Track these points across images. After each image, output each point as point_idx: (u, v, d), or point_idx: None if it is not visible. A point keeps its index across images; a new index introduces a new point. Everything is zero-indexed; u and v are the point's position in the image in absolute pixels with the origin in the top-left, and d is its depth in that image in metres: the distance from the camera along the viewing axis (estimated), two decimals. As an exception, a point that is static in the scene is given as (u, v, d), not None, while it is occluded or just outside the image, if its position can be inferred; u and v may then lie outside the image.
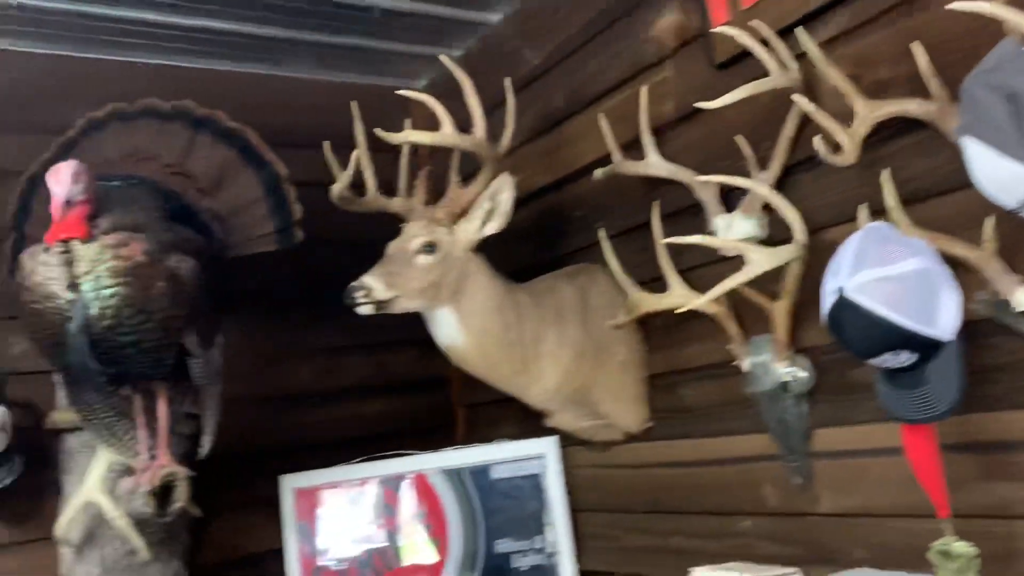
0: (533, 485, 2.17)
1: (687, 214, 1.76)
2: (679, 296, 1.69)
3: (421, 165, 2.12)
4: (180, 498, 1.71)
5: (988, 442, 1.32)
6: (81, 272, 1.52)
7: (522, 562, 2.15)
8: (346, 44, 2.47)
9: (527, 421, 2.22)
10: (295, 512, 2.22)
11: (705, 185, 1.69)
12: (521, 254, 2.19)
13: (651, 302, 1.73)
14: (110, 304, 1.53)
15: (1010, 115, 1.05)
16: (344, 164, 1.95)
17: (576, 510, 2.14)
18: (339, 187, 1.93)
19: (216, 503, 1.89)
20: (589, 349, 1.92)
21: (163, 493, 1.69)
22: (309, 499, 2.24)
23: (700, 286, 1.70)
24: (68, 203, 1.55)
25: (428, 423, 2.56)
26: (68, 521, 1.92)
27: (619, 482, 2.03)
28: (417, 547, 2.21)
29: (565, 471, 2.15)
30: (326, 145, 1.98)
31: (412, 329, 2.38)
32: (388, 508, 2.23)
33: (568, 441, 2.14)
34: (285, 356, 2.39)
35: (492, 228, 1.88)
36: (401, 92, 1.88)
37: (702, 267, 1.76)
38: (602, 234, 1.83)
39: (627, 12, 1.96)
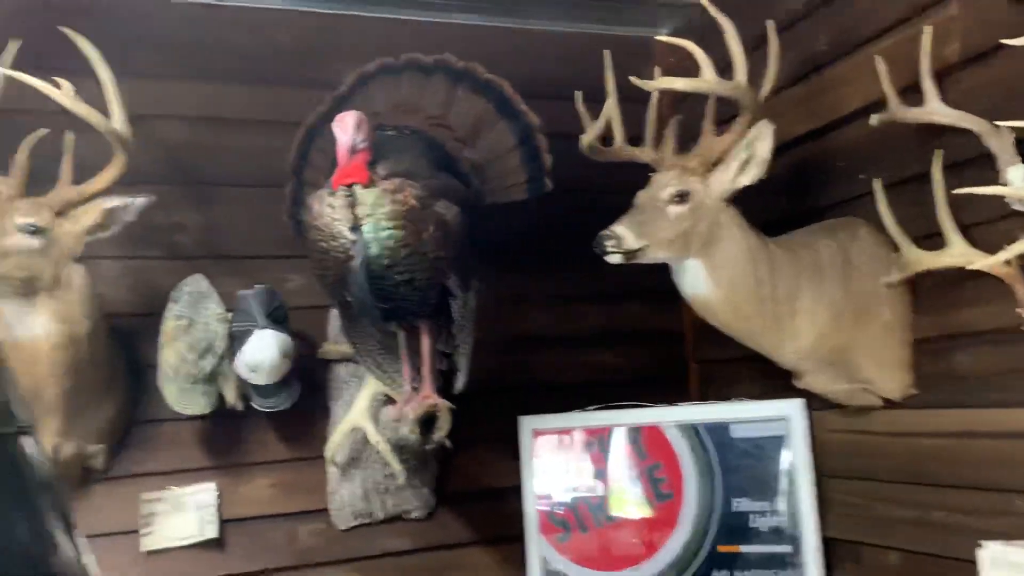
0: (776, 447, 2.11)
1: (972, 165, 1.61)
2: (961, 254, 1.56)
3: (663, 115, 2.09)
4: (442, 428, 1.82)
5: None
6: (363, 215, 1.64)
7: (761, 522, 2.11)
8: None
9: (766, 381, 2.15)
10: (532, 452, 2.31)
11: (998, 133, 1.54)
12: (775, 206, 2.11)
13: (929, 260, 1.61)
14: (388, 245, 1.64)
15: None
16: (589, 115, 1.97)
17: (822, 475, 2.06)
18: (589, 137, 1.95)
19: (459, 437, 2.00)
20: (849, 309, 1.82)
21: (426, 423, 1.81)
22: (546, 440, 2.31)
23: (982, 244, 1.56)
24: (352, 150, 1.67)
25: (659, 377, 2.55)
26: (336, 444, 2.11)
27: (873, 449, 1.93)
28: (647, 498, 2.23)
29: (811, 435, 2.07)
30: (577, 95, 2.00)
31: (644, 281, 2.39)
32: (623, 457, 2.26)
33: (816, 404, 2.05)
34: (521, 302, 2.46)
35: (748, 179, 1.82)
36: (660, 38, 1.85)
37: (985, 224, 1.61)
38: (877, 184, 1.71)
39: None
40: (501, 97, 2.06)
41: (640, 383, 2.45)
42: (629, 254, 1.80)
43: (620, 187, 2.16)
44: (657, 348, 2.58)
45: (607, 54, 1.95)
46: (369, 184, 1.65)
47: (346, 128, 1.67)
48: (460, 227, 1.79)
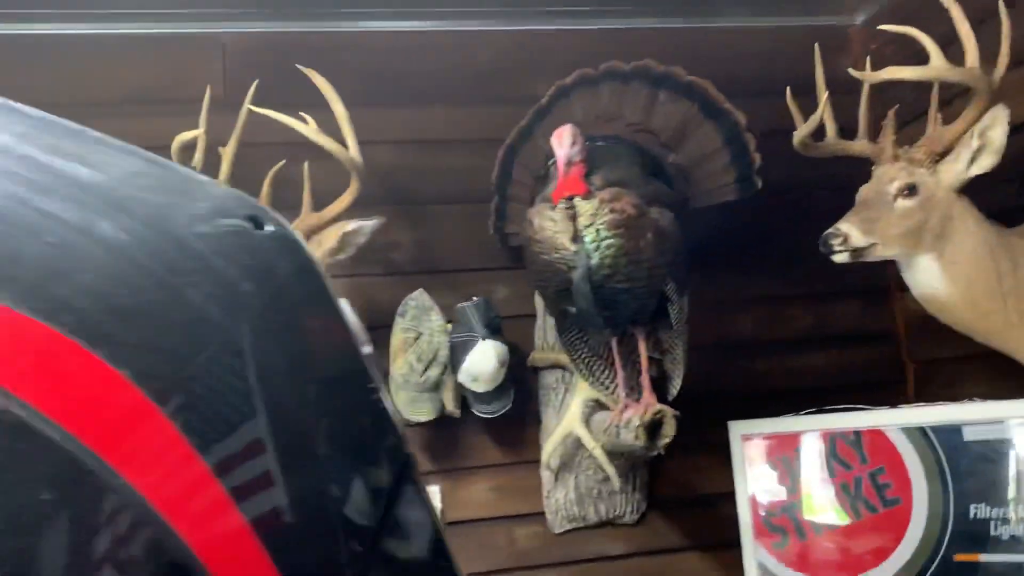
0: (1015, 449, 1.98)
1: None
2: None
3: (869, 106, 2.00)
4: (668, 434, 1.83)
5: None
6: (583, 226, 1.67)
7: (1002, 530, 1.98)
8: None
9: (993, 381, 2.02)
10: (743, 457, 2.27)
11: None
12: (1006, 194, 1.98)
13: None
14: (608, 254, 1.66)
15: None
16: (799, 110, 1.92)
17: (1074, 482, 1.91)
18: (803, 133, 1.90)
19: (670, 443, 1.99)
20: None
21: (651, 429, 1.82)
22: (758, 445, 2.27)
23: None
24: (568, 163, 1.70)
25: (872, 379, 2.45)
26: (552, 449, 2.16)
27: None
28: (871, 504, 2.14)
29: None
30: (788, 91, 1.95)
31: (853, 280, 2.30)
32: (842, 462, 2.18)
33: (1060, 404, 1.91)
34: (728, 305, 2.43)
35: (981, 168, 1.72)
36: (883, 27, 1.78)
37: None
38: None
39: None
40: (705, 98, 2.04)
41: (853, 386, 2.36)
42: (856, 252, 1.75)
43: (826, 183, 2.10)
44: (870, 349, 2.48)
45: (816, 48, 1.90)
46: (587, 196, 1.68)
47: (562, 142, 1.71)
48: (675, 232, 1.80)
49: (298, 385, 0.53)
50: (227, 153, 1.87)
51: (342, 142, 1.88)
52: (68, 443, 0.41)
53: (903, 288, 2.45)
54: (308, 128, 1.82)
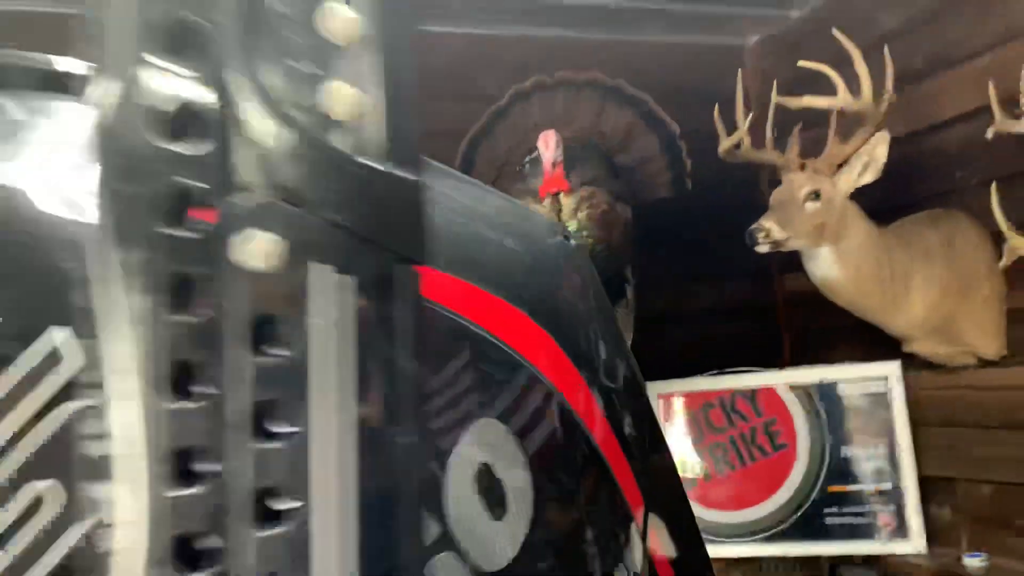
0: (877, 402, 2.50)
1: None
2: (1058, 241, 1.93)
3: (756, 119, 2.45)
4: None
5: None
6: (566, 219, 1.99)
7: (865, 466, 2.50)
8: (691, 11, 2.82)
9: (860, 347, 2.54)
10: (660, 412, 2.68)
11: (1089, 143, 1.91)
12: (877, 198, 2.48)
13: (1028, 246, 1.99)
14: (587, 243, 1.99)
15: None
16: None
17: (917, 424, 2.45)
18: (727, 144, 2.31)
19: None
20: (954, 286, 2.20)
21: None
22: (673, 403, 2.69)
23: (1070, 232, 1.94)
24: (553, 164, 2.01)
25: (759, 345, 2.93)
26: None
27: (969, 402, 2.32)
28: (764, 449, 2.62)
29: (908, 390, 2.46)
30: (716, 107, 2.35)
31: (746, 264, 2.75)
32: (741, 415, 2.64)
33: (909, 365, 2.44)
34: (648, 284, 2.81)
35: (867, 179, 2.18)
36: (802, 64, 2.19)
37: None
38: (994, 187, 2.08)
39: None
40: (646, 109, 2.40)
41: (745, 351, 2.83)
42: (775, 244, 2.16)
43: (727, 184, 2.54)
44: (755, 321, 2.96)
45: (741, 72, 2.31)
46: (569, 192, 2.00)
47: (548, 145, 2.01)
48: (634, 224, 2.15)
49: (610, 346, 0.82)
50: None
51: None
52: (528, 366, 0.68)
53: (783, 271, 2.95)
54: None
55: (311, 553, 0.32)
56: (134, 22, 0.30)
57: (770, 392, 2.63)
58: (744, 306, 2.94)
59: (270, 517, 0.31)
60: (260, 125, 0.31)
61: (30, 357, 0.41)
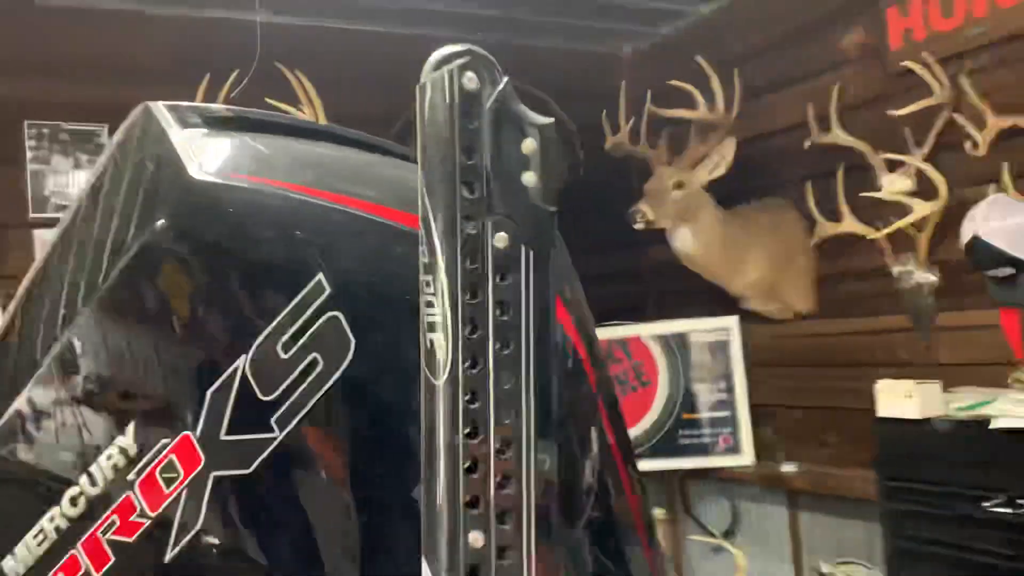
0: (721, 347, 3.18)
1: (856, 170, 2.68)
2: (850, 226, 2.63)
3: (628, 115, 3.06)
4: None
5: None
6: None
7: (710, 397, 3.18)
8: (577, 24, 3.38)
9: (706, 305, 3.21)
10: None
11: (875, 154, 2.60)
12: (722, 188, 3.13)
13: (831, 228, 2.68)
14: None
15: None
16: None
17: (751, 365, 3.14)
18: (614, 140, 2.88)
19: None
20: (779, 258, 2.88)
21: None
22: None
23: (861, 217, 2.64)
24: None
25: (633, 303, 3.56)
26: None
27: (788, 347, 3.03)
28: (632, 384, 3.25)
29: (744, 339, 3.14)
30: (604, 113, 2.91)
31: (623, 238, 3.34)
32: (615, 359, 3.26)
33: (747, 319, 3.12)
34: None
35: (718, 173, 2.82)
36: (673, 83, 2.78)
37: (862, 206, 2.69)
38: (809, 186, 2.74)
39: (820, 26, 2.83)
40: (546, 108, 2.94)
41: (619, 309, 3.44)
42: (649, 223, 2.76)
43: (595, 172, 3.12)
44: (628, 284, 3.58)
45: (623, 84, 2.88)
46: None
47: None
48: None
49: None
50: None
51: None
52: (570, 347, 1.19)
53: (649, 244, 3.57)
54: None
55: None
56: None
57: (637, 340, 3.26)
58: (619, 272, 3.56)
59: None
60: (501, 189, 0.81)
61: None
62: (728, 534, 3.22)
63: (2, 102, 2.48)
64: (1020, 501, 1.98)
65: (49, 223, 2.55)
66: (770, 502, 3.14)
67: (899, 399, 2.17)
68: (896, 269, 2.58)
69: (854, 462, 2.68)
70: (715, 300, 3.13)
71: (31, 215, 2.54)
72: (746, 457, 3.13)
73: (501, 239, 0.71)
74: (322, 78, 2.91)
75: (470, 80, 0.66)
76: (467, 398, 0.67)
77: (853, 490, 2.68)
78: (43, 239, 2.52)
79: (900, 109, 2.41)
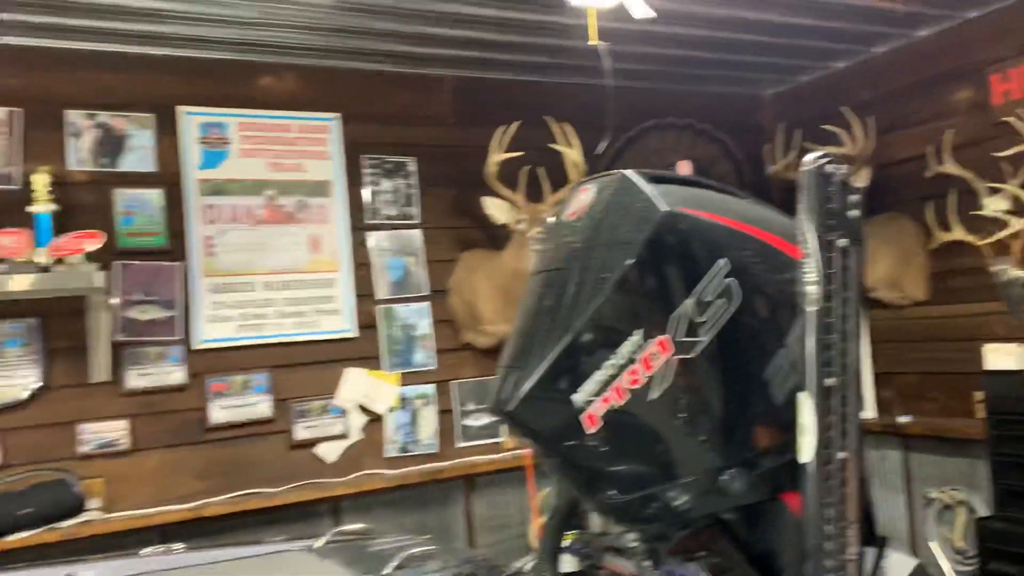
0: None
1: (964, 194, 3.58)
2: (960, 234, 3.54)
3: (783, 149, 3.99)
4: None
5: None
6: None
7: (841, 366, 4.09)
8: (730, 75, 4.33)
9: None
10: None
11: (977, 180, 3.50)
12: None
13: (945, 236, 3.59)
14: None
15: None
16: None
17: (878, 341, 4.04)
18: (775, 169, 3.84)
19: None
20: (901, 257, 3.80)
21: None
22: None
23: (968, 229, 3.54)
24: (687, 181, 3.49)
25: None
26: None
27: (908, 327, 3.94)
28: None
29: (872, 321, 4.05)
30: (764, 148, 3.86)
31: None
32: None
33: (874, 305, 4.02)
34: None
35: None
36: (825, 127, 3.72)
37: (968, 220, 3.60)
38: (930, 205, 3.65)
39: (935, 82, 3.74)
40: (725, 145, 3.90)
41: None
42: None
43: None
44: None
45: (779, 127, 3.83)
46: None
47: (684, 169, 3.47)
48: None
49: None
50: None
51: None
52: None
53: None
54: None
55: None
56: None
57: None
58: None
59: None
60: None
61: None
62: (852, 473, 4.12)
63: (351, 143, 3.58)
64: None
65: (376, 227, 3.62)
66: (887, 447, 4.05)
67: (1003, 356, 3.09)
68: (994, 268, 3.48)
69: (959, 412, 3.60)
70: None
71: (365, 221, 3.64)
72: (869, 412, 4.04)
73: (842, 242, 1.67)
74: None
75: (828, 167, 1.63)
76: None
77: (956, 432, 3.60)
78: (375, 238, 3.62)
79: (1001, 151, 3.31)
